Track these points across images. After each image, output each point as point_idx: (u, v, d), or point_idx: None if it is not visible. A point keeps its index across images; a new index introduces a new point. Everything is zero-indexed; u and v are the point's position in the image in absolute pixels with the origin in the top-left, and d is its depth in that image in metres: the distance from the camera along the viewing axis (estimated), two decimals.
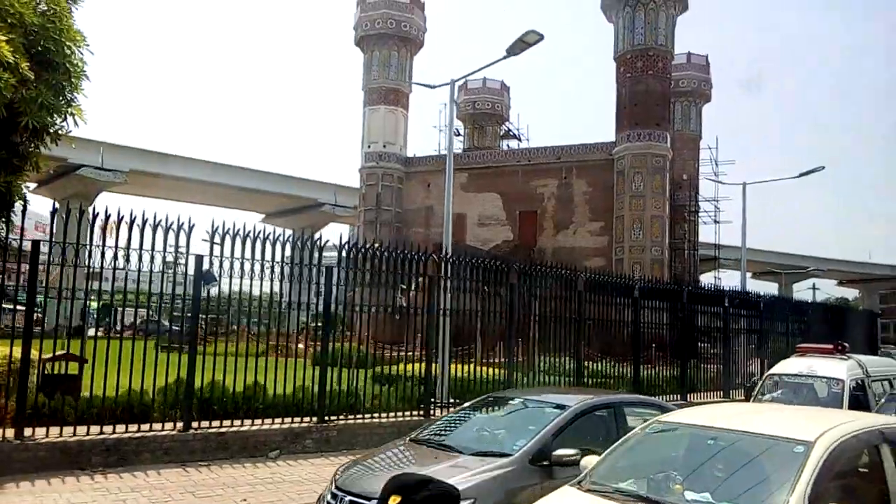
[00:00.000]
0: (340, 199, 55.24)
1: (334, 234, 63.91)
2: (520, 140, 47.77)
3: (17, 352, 7.88)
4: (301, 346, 11.33)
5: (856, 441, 3.90)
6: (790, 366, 9.60)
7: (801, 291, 76.83)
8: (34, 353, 7.84)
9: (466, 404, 6.70)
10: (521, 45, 12.59)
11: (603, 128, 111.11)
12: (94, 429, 7.65)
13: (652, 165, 31.56)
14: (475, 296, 11.08)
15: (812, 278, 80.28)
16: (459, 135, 48.23)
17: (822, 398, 8.74)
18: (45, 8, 7.42)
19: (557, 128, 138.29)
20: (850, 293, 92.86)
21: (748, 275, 77.96)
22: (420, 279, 10.21)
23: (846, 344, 9.61)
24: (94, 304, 10.09)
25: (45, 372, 9.24)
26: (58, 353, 9.47)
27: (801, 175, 22.51)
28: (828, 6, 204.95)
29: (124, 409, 8.12)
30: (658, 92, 32.04)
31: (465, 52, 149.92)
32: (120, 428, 7.83)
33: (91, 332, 10.48)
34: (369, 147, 38.05)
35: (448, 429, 6.13)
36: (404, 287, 10.42)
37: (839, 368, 8.94)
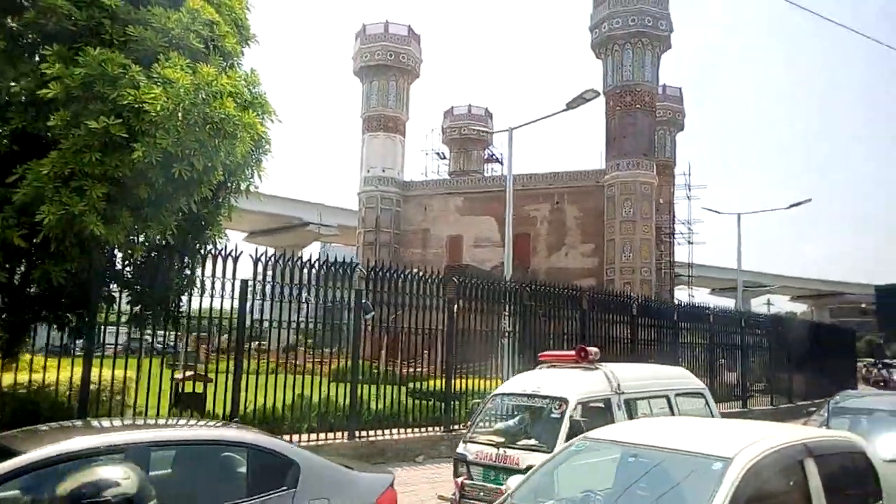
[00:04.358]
0: (324, 219, 56.50)
1: (316, 253, 64.94)
2: (501, 163, 50.05)
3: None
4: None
5: (778, 456, 3.72)
6: (520, 382, 7.43)
7: (757, 307, 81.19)
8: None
9: None
10: (580, 100, 14.54)
11: (584, 153, 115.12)
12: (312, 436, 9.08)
13: (640, 192, 33.96)
14: (550, 321, 12.78)
15: (767, 294, 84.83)
16: (445, 158, 50.14)
17: (536, 427, 6.75)
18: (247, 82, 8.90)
19: (540, 153, 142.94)
20: (800, 308, 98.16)
21: (706, 291, 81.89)
22: (516, 307, 11.88)
23: (592, 349, 7.43)
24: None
25: (179, 390, 10.62)
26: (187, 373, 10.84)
27: (791, 206, 25.19)
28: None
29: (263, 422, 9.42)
30: (645, 124, 34.55)
31: (456, 79, 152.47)
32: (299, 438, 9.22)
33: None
34: (368, 171, 39.53)
35: None
36: (507, 314, 12.07)
37: (568, 385, 6.84)
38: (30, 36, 7.58)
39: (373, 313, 9.95)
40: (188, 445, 4.28)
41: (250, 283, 8.81)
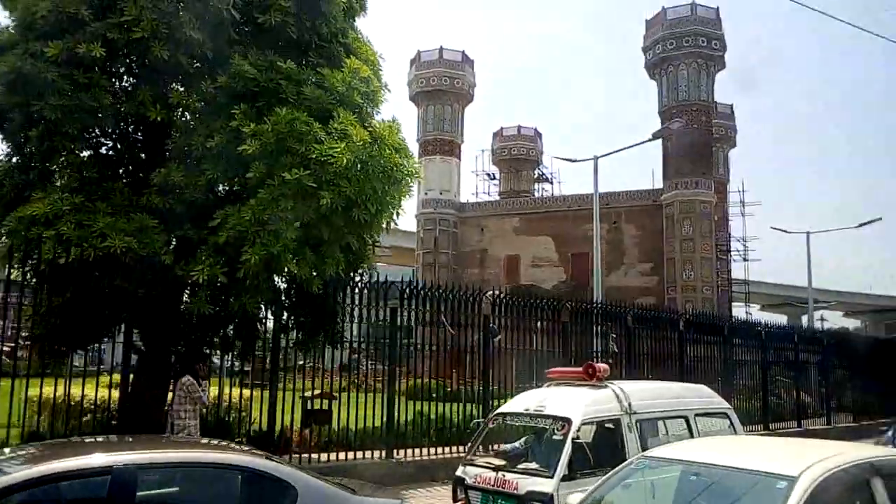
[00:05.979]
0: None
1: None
2: (551, 183, 50.68)
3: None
4: None
5: (844, 475, 3.69)
6: (524, 400, 6.90)
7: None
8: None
9: None
10: (666, 130, 15.27)
11: (635, 171, 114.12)
12: (438, 449, 9.90)
13: (700, 211, 34.32)
14: (651, 342, 13.44)
15: (821, 310, 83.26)
16: (495, 179, 51.04)
17: (538, 449, 6.56)
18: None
19: (589, 171, 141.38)
20: (853, 323, 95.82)
21: (757, 307, 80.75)
22: (621, 329, 12.61)
23: (601, 365, 6.83)
24: None
25: (307, 407, 11.52)
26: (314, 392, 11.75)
27: (860, 226, 25.41)
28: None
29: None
30: (702, 143, 34.95)
31: (503, 99, 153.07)
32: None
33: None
34: (426, 194, 40.60)
35: None
36: (614, 336, 12.80)
37: (573, 404, 6.32)
38: (221, 97, 8.63)
39: (500, 336, 10.76)
40: (181, 468, 4.18)
41: (398, 311, 9.71)
